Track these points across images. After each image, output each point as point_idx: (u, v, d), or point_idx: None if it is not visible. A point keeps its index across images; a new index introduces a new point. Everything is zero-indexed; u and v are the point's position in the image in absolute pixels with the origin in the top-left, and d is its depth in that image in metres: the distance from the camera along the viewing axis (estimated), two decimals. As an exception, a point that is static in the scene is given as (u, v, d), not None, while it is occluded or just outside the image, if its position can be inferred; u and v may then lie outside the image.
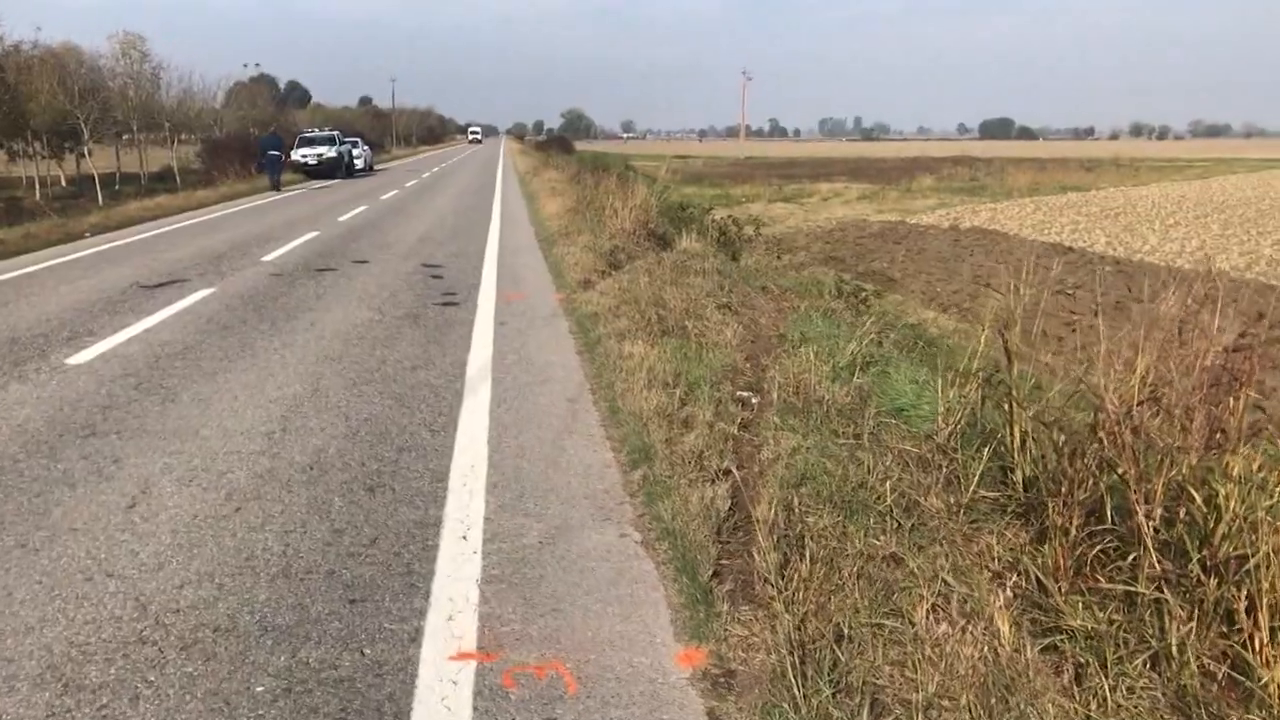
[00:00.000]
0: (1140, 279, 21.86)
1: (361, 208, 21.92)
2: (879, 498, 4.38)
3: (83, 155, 36.29)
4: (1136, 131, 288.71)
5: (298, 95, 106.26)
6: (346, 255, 13.36)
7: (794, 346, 8.15)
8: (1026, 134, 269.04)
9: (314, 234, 16.09)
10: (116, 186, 34.93)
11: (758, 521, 4.12)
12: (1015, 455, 4.43)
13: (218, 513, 4.30)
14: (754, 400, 6.48)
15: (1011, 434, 4.53)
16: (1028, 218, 36.14)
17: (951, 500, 4.55)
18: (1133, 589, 3.21)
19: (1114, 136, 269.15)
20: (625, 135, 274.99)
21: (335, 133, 40.90)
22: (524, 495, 4.54)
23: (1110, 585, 3.26)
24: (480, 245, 14.71)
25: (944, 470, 4.80)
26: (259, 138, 37.32)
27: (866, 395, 6.46)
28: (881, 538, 3.95)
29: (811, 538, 3.88)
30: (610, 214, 16.36)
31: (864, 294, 14.63)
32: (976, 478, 4.51)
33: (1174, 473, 3.52)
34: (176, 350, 7.53)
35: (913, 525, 4.09)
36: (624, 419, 5.63)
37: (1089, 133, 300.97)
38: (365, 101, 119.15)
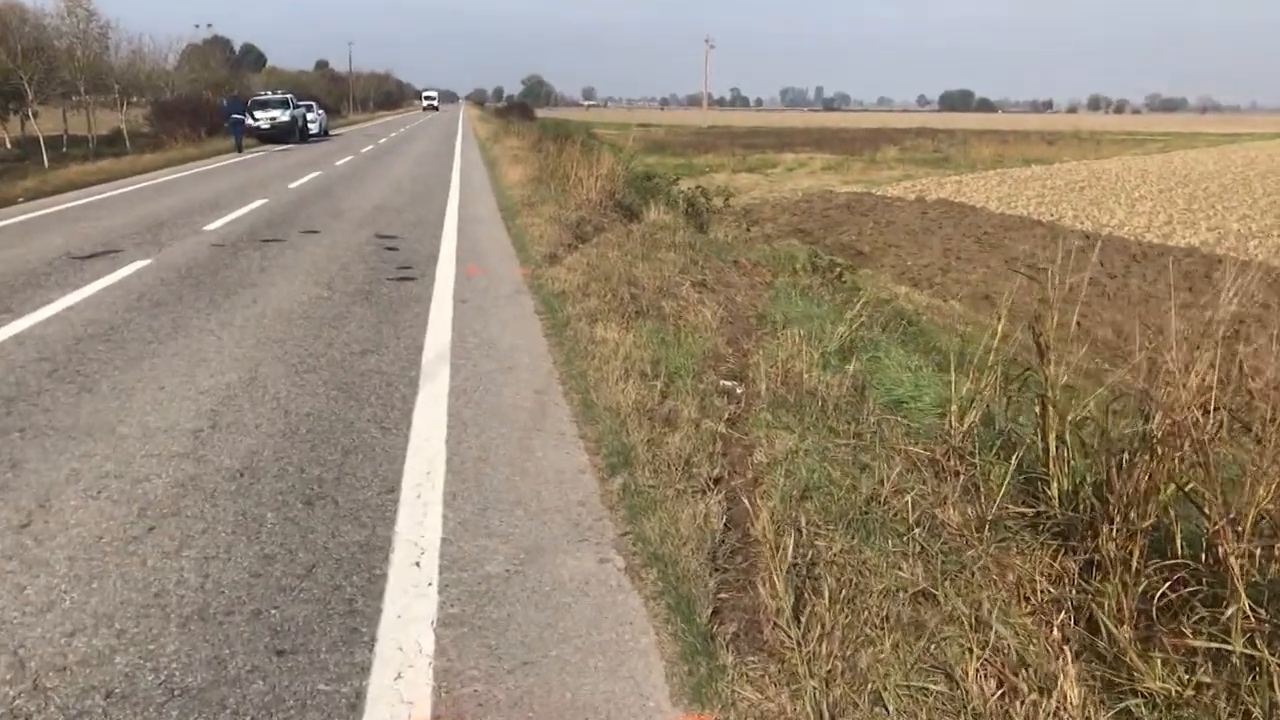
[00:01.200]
0: (1111, 254, 21.62)
1: (315, 174, 21.00)
2: (896, 514, 3.84)
3: (27, 117, 34.73)
4: (1094, 105, 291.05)
5: (253, 58, 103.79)
6: (296, 224, 12.57)
7: (777, 329, 7.59)
8: (986, 106, 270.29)
9: (263, 201, 15.23)
10: (64, 149, 33.50)
11: (761, 544, 3.56)
12: (1050, 465, 3.90)
13: (127, 533, 3.66)
14: (739, 390, 5.91)
15: (1045, 439, 4.00)
16: (993, 190, 35.92)
17: (971, 513, 4.02)
18: (1223, 645, 2.68)
19: (1072, 110, 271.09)
20: (586, 103, 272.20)
21: (289, 96, 39.59)
22: (487, 509, 3.94)
23: (1195, 641, 2.72)
24: (439, 214, 13.97)
25: (961, 477, 4.27)
26: (222, 101, 36.58)
27: (861, 386, 5.92)
28: (905, 565, 3.41)
29: (826, 567, 3.33)
30: (575, 183, 15.68)
31: (838, 269, 14.13)
32: (1002, 488, 3.98)
33: (1266, 498, 2.99)
34: (101, 331, 6.80)
35: (939, 549, 3.55)
36: (599, 415, 5.03)
37: (1047, 105, 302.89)
38: (322, 65, 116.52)
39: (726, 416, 5.13)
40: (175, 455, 4.44)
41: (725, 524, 3.76)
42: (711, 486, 4.13)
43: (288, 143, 35.43)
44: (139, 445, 4.56)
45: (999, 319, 5.16)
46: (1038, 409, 4.14)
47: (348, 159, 26.90)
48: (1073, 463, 3.86)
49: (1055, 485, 3.84)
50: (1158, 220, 27.07)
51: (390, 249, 10.69)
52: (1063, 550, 3.61)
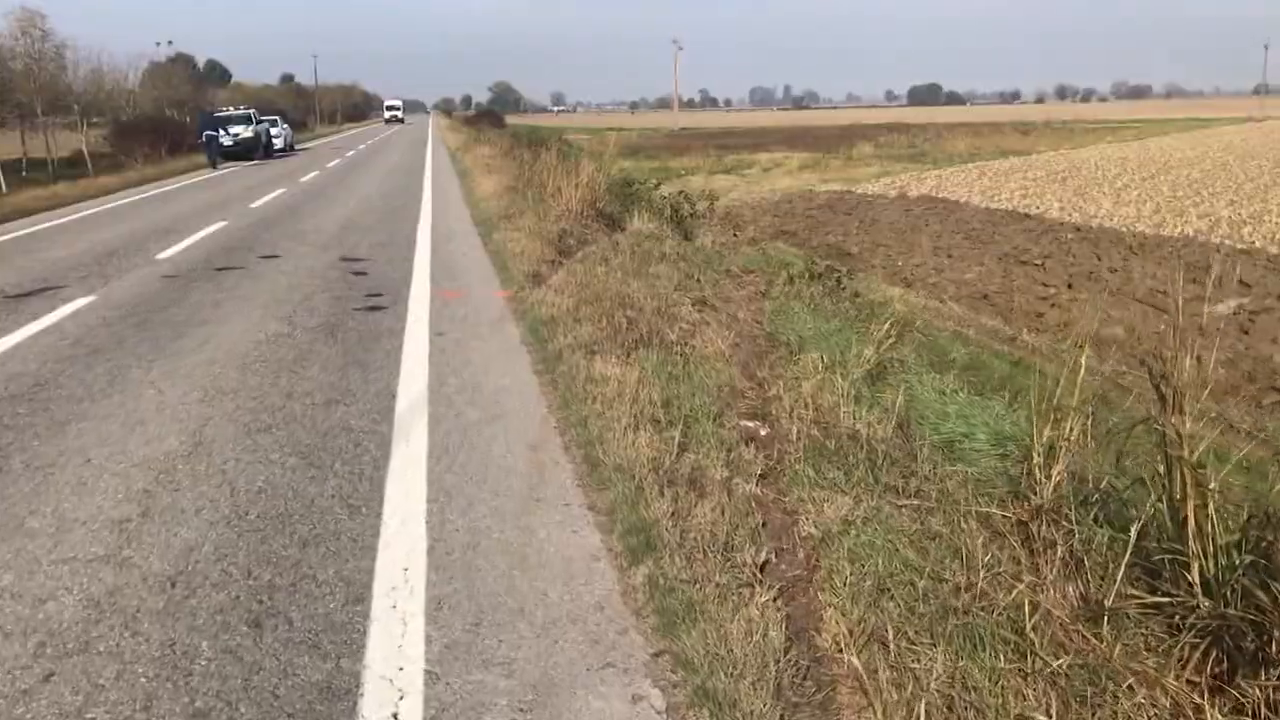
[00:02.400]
0: (1107, 247, 21.01)
1: (278, 191, 20.07)
2: (998, 611, 3.05)
3: (-17, 141, 33.56)
4: (1061, 94, 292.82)
5: (217, 74, 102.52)
6: (256, 249, 11.68)
7: (793, 353, 6.81)
8: (954, 99, 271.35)
9: (221, 224, 14.32)
10: (23, 173, 32.31)
11: (836, 664, 2.77)
12: (1188, 541, 3.12)
13: (15, 686, 2.82)
14: (763, 432, 5.12)
15: (1173, 504, 3.22)
16: (974, 184, 35.42)
17: (1074, 593, 3.26)
18: None
19: (1039, 100, 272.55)
20: (556, 108, 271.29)
21: (251, 111, 38.53)
22: (481, 622, 3.12)
23: None
24: (410, 232, 13.11)
25: (1059, 550, 3.48)
26: (198, 118, 36.04)
27: (904, 423, 5.14)
28: (1031, 691, 2.62)
29: (932, 705, 2.53)
30: (553, 193, 14.87)
31: (836, 275, 13.39)
32: (1120, 568, 3.20)
33: None
34: (24, 389, 5.92)
35: (1065, 665, 2.76)
36: (608, 477, 4.22)
37: (1015, 96, 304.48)
38: (288, 79, 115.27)
39: (759, 472, 4.33)
40: (93, 559, 3.59)
41: (786, 634, 2.97)
42: (758, 576, 3.33)
43: (252, 159, 34.42)
44: (49, 547, 3.71)
45: (1081, 350, 4.37)
46: (1161, 468, 3.35)
47: (313, 174, 25.95)
48: (1218, 539, 3.08)
49: (1196, 568, 3.06)
50: (1146, 210, 26.54)
51: (358, 274, 9.83)
52: (1215, 655, 2.84)
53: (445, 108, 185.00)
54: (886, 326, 6.15)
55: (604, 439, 4.63)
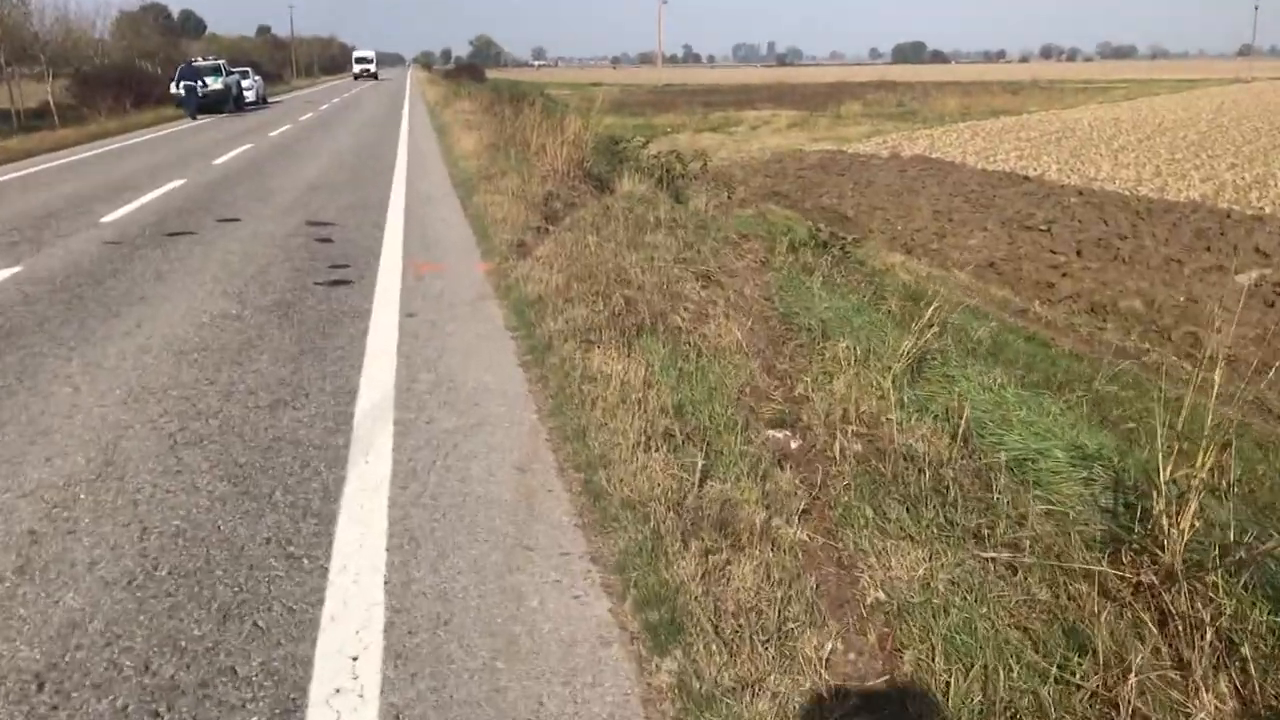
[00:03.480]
0: (1113, 211, 20.22)
1: (245, 147, 18.92)
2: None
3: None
4: (1047, 54, 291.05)
5: (193, 24, 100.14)
6: (213, 211, 10.68)
7: (814, 339, 5.96)
8: (939, 58, 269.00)
9: (179, 182, 13.25)
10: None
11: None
12: None
13: None
14: (794, 445, 4.29)
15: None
16: (968, 144, 34.59)
17: (1226, 691, 2.46)
18: None
19: (1024, 59, 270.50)
20: (537, 63, 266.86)
21: (220, 62, 37.05)
22: (457, 748, 2.28)
23: None
24: (383, 193, 12.12)
25: (1208, 634, 2.67)
26: (177, 69, 34.56)
27: (962, 434, 4.30)
28: None
29: None
30: (537, 151, 13.88)
31: (841, 243, 12.54)
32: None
33: None
34: (-85, 382, 5.00)
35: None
36: (615, 515, 3.37)
37: (1000, 55, 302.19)
38: (264, 31, 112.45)
39: (801, 506, 3.49)
40: (-62, 642, 2.71)
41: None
42: (821, 667, 2.50)
43: (221, 112, 33.10)
44: (-115, 620, 2.83)
45: (1212, 367, 3.53)
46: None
47: (284, 128, 24.73)
48: None
49: None
50: (1146, 172, 25.80)
51: (323, 240, 8.88)
52: None
53: (425, 61, 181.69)
54: (930, 313, 5.29)
55: (608, 459, 3.77)
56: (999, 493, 3.61)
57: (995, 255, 16.63)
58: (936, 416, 4.58)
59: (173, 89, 33.87)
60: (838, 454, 4.01)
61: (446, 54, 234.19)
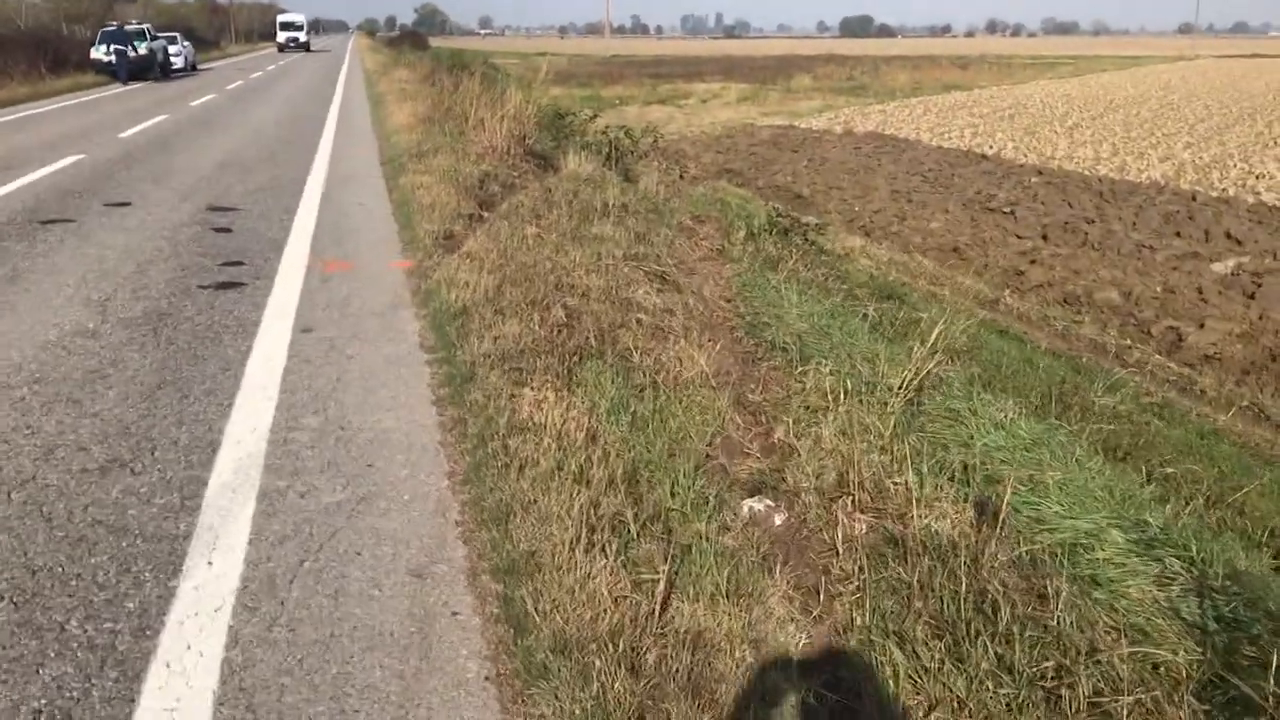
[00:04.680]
0: (1076, 192, 19.58)
1: (159, 118, 17.44)
2: None
3: None
4: (992, 29, 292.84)
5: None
6: (103, 194, 9.41)
7: (790, 361, 5.01)
8: (886, 31, 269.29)
9: (74, 159, 11.87)
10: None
11: None
12: None
13: None
14: (777, 521, 3.34)
15: None
16: (921, 120, 34.01)
17: None
18: None
19: (970, 34, 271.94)
20: (483, 32, 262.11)
21: (145, 26, 35.02)
22: None
23: None
24: (302, 172, 10.91)
25: None
26: (99, 32, 32.89)
27: (990, 508, 3.37)
28: None
29: None
30: (475, 126, 12.73)
31: (804, 230, 11.62)
32: None
33: None
34: None
35: None
36: (544, 666, 2.38)
37: (946, 30, 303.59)
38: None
39: (801, 642, 2.53)
40: None
41: None
42: None
43: (145, 79, 31.25)
44: None
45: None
46: None
47: (208, 97, 23.15)
48: None
49: None
50: (1104, 151, 25.35)
51: (221, 230, 7.71)
52: None
53: (369, 28, 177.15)
54: (934, 337, 4.36)
55: (536, 563, 2.78)
56: (1060, 609, 2.69)
57: (959, 239, 15.86)
58: (954, 476, 3.65)
59: (93, 53, 32.02)
60: (839, 541, 3.07)
61: (391, 21, 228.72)
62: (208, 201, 8.96)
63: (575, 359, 4.51)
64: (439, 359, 4.73)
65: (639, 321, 5.44)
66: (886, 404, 4.30)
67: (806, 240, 11.15)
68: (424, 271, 6.39)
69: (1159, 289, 12.64)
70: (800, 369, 4.83)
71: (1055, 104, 39.75)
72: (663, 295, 6.22)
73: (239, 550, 2.95)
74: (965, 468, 3.70)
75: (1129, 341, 10.98)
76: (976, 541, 3.07)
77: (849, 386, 4.37)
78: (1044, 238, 15.82)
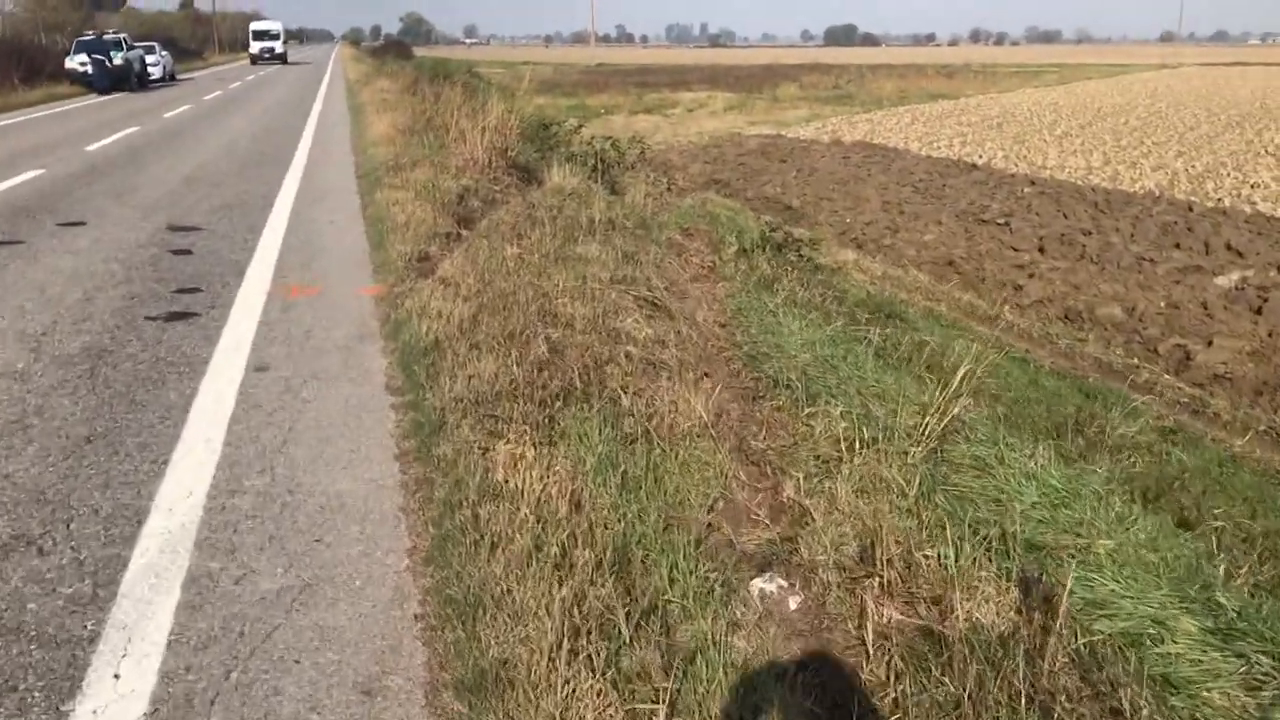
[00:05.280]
0: (1070, 203, 19.24)
1: (129, 130, 16.88)
2: None
3: None
4: (975, 37, 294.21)
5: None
6: (59, 212, 8.88)
7: (797, 402, 4.54)
8: (870, 40, 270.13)
9: (34, 173, 11.33)
10: None
11: None
12: None
13: None
14: (792, 604, 2.87)
15: None
16: (909, 129, 33.67)
17: None
18: None
19: (954, 43, 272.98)
20: (468, 41, 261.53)
21: (121, 36, 34.46)
22: None
23: None
24: (272, 187, 10.41)
25: None
26: (75, 42, 32.41)
27: (1039, 587, 2.91)
28: None
29: None
30: (456, 138, 12.26)
31: (798, 245, 11.19)
32: None
33: None
34: None
35: None
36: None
37: (930, 38, 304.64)
38: (187, 5, 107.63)
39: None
40: None
41: None
42: None
43: (122, 89, 30.69)
44: None
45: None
46: None
47: (184, 108, 22.59)
48: None
49: None
50: (1095, 160, 25.03)
51: (180, 252, 7.20)
52: None
53: (354, 38, 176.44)
54: (959, 379, 3.90)
55: (508, 679, 2.29)
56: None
57: (954, 252, 15.44)
58: (991, 545, 3.18)
59: (68, 63, 31.48)
60: (868, 638, 2.60)
61: (376, 30, 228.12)
62: (169, 220, 8.44)
63: (558, 403, 4.03)
64: (406, 403, 4.24)
65: (628, 355, 4.96)
66: (907, 454, 3.84)
67: (801, 256, 10.72)
68: (395, 298, 5.91)
69: (1163, 304, 12.24)
70: (807, 410, 4.36)
71: (1043, 112, 39.52)
72: (653, 323, 5.75)
73: (154, 658, 2.46)
74: (1004, 536, 3.23)
75: (1136, 360, 10.56)
76: (1029, 634, 2.61)
77: (864, 434, 3.91)
78: (1041, 250, 15.42)
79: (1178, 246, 15.23)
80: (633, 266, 7.11)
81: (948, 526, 3.22)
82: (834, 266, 14.28)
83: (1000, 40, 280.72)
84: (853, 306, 8.99)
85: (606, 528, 3.01)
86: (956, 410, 3.91)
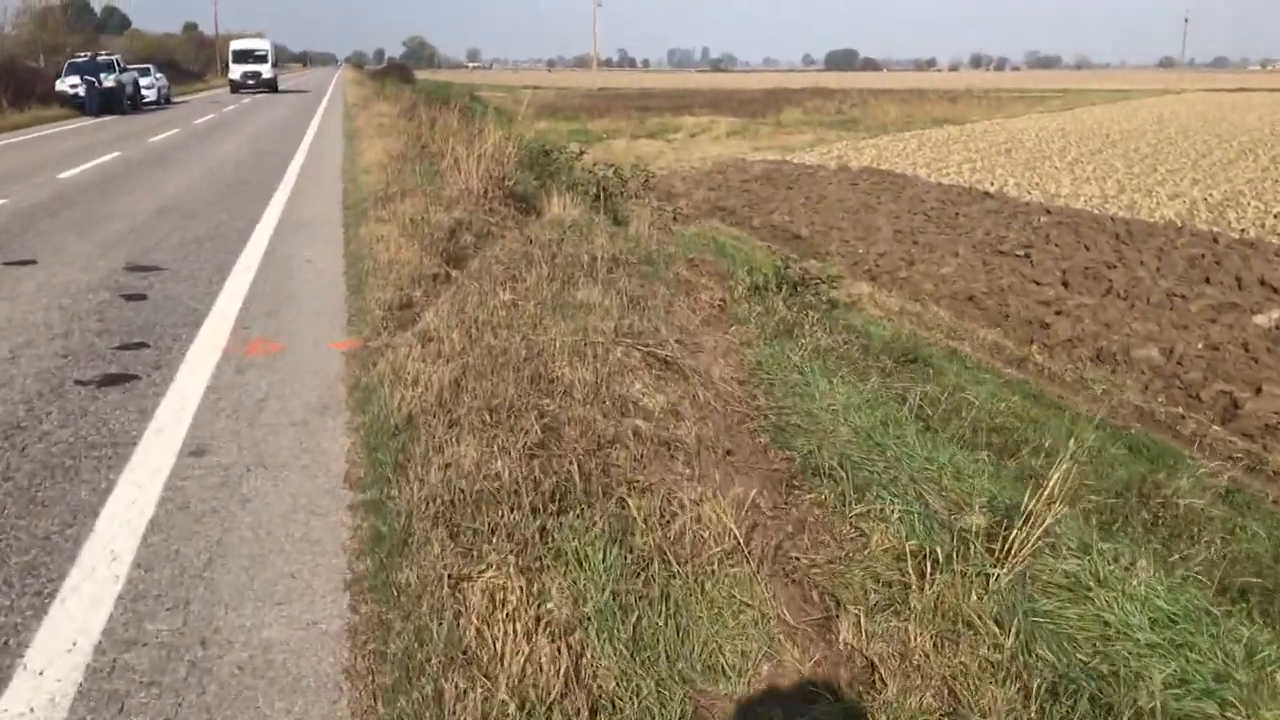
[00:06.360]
0: (1090, 234, 18.52)
1: (110, 155, 16.17)
2: None
3: None
4: (976, 62, 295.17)
5: (116, 20, 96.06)
6: (10, 248, 8.11)
7: (841, 498, 3.76)
8: (871, 65, 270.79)
9: (-4, 203, 10.61)
10: None
11: None
12: None
13: None
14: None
15: None
16: (916, 155, 33.07)
17: None
18: None
19: (954, 68, 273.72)
20: (471, 65, 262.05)
21: (115, 58, 33.92)
22: None
23: None
24: (250, 220, 9.66)
25: None
26: (66, 64, 32.20)
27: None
28: None
29: None
30: (451, 165, 11.54)
31: (815, 283, 10.41)
32: None
33: None
34: None
35: None
36: None
37: (930, 64, 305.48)
38: (191, 28, 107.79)
39: None
40: None
41: None
42: None
43: (114, 112, 30.07)
44: None
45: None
46: None
47: (172, 132, 21.91)
48: None
49: None
50: (1109, 188, 24.37)
51: (134, 297, 6.44)
52: None
53: (357, 61, 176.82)
54: (1054, 479, 3.12)
55: None
56: None
57: (973, 286, 14.68)
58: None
59: (59, 85, 30.93)
60: None
61: (380, 54, 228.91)
62: (130, 258, 7.69)
63: (552, 507, 3.25)
64: (367, 503, 3.46)
65: (636, 432, 4.18)
66: (989, 576, 3.06)
67: (818, 296, 9.96)
68: (368, 356, 5.14)
69: (1201, 345, 11.47)
70: (855, 510, 3.58)
71: (1051, 138, 38.97)
72: (664, 386, 4.98)
73: None
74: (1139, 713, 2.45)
75: (1179, 408, 9.77)
76: None
77: (934, 551, 3.12)
78: (1065, 284, 14.67)
79: (1208, 281, 14.48)
80: (639, 314, 6.35)
81: (1060, 697, 2.44)
82: (849, 301, 13.54)
83: (1001, 66, 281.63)
84: (879, 354, 8.22)
85: (614, 709, 2.22)
86: (1051, 520, 3.13)
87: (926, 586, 2.95)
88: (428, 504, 3.29)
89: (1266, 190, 23.57)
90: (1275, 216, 19.71)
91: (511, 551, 2.88)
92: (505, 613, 2.57)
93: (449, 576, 2.79)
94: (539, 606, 2.64)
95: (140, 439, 4.01)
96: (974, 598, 2.94)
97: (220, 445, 3.96)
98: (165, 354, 5.20)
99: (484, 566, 2.83)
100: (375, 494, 3.50)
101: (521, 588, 2.71)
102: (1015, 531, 3.11)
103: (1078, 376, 10.80)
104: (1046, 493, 3.11)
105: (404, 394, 4.42)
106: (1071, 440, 3.31)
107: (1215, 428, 9.36)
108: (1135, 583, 3.31)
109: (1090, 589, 3.21)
